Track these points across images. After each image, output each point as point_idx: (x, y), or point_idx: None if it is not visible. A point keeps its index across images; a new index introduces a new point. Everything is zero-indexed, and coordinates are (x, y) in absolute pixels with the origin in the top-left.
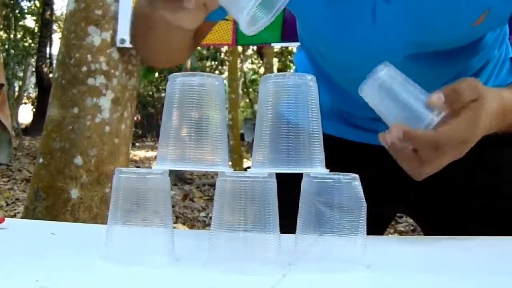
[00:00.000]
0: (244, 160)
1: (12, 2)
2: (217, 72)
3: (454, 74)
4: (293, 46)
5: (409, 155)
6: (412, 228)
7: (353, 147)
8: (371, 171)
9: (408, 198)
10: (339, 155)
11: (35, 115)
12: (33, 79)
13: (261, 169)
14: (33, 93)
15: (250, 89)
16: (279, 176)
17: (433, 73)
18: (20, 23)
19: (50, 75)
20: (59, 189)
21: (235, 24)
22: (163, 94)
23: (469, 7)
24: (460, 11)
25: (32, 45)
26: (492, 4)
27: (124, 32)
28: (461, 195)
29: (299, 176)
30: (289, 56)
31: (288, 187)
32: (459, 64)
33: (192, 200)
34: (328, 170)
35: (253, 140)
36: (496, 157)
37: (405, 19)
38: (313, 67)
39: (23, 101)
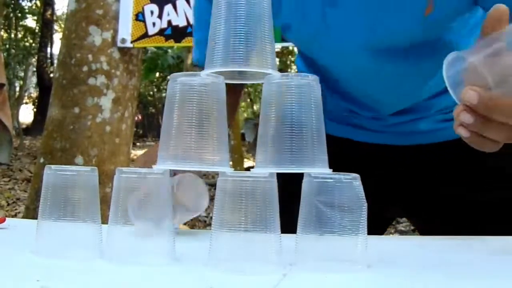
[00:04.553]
0: (245, 160)
1: (12, 1)
2: None
3: (436, 71)
4: (294, 46)
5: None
6: (412, 228)
7: (357, 147)
8: (375, 171)
9: (405, 199)
10: (338, 155)
11: (36, 115)
12: (34, 79)
13: (265, 169)
14: (34, 93)
15: (251, 89)
16: (280, 176)
17: (412, 70)
18: (21, 23)
19: (51, 75)
20: None
21: None
22: (164, 94)
23: None
24: (406, 1)
25: (33, 45)
26: None
27: (125, 31)
28: (458, 198)
29: (300, 176)
30: (289, 56)
31: (289, 187)
32: (438, 59)
33: None
34: (331, 170)
35: (254, 140)
36: (498, 158)
37: (355, 19)
38: (309, 69)
39: (24, 101)
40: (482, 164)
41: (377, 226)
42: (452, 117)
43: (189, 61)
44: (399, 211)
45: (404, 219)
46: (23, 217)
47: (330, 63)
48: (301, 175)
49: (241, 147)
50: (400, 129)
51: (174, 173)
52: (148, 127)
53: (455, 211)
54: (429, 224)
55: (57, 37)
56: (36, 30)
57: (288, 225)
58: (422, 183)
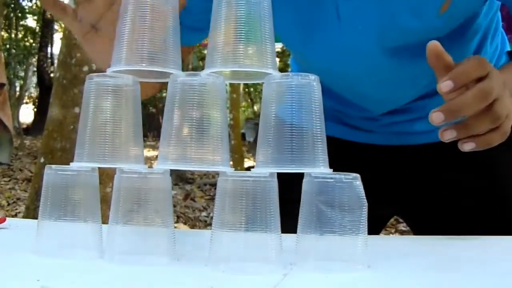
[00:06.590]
0: (245, 159)
1: (13, 1)
2: None
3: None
4: None
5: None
6: None
7: (349, 146)
8: (368, 171)
9: (403, 199)
10: (336, 156)
11: (36, 114)
12: (34, 79)
13: (265, 169)
14: (34, 93)
15: (251, 89)
16: (280, 175)
17: (418, 67)
18: (21, 22)
19: (52, 75)
20: None
21: None
22: (164, 94)
23: None
24: None
25: (33, 44)
26: None
27: None
28: (455, 198)
29: (300, 175)
30: (290, 56)
31: (289, 186)
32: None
33: (193, 199)
34: (332, 170)
35: (254, 140)
36: (491, 158)
37: (369, 13)
38: (301, 70)
39: (24, 100)
40: (478, 164)
41: (371, 227)
42: None
43: (189, 61)
44: (393, 211)
45: None
46: (23, 217)
47: (327, 62)
48: (301, 175)
49: (241, 147)
50: (394, 129)
51: None
52: (149, 127)
53: (450, 211)
54: (424, 224)
55: (58, 37)
56: (37, 30)
57: (288, 225)
58: (416, 183)
